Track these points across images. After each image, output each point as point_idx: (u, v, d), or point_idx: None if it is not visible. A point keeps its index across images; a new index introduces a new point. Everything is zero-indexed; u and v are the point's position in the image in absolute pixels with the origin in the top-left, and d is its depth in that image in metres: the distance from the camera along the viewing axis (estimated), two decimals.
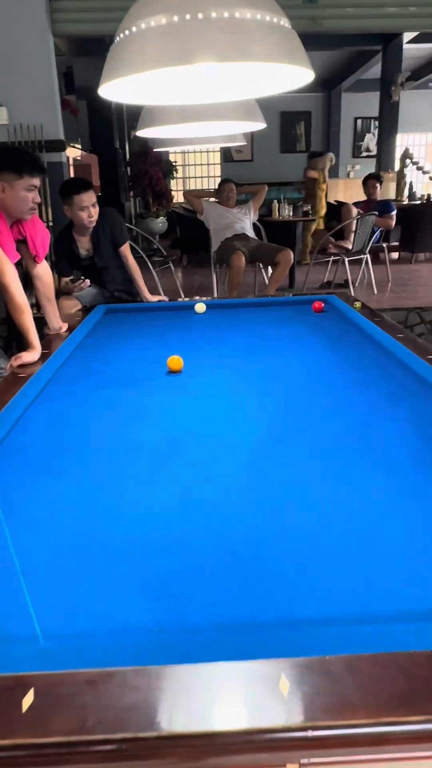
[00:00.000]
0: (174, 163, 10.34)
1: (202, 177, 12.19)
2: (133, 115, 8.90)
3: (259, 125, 2.39)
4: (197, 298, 3.49)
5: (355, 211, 5.16)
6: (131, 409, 1.69)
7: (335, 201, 9.55)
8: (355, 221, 4.92)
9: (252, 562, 0.97)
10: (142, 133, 2.53)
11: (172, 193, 9.94)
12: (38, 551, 1.01)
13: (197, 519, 1.10)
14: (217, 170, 12.05)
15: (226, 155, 11.90)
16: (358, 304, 2.79)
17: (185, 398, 1.77)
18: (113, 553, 1.01)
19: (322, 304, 2.87)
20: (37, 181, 2.04)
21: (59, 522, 1.11)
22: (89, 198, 2.82)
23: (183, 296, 5.46)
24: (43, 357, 2.09)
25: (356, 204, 5.67)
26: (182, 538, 1.04)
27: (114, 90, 1.48)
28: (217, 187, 4.89)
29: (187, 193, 4.75)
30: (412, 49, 8.23)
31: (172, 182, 11.27)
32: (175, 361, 1.94)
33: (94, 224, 2.91)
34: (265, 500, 1.17)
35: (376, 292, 5.18)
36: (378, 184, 5.53)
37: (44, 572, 0.96)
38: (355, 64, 9.76)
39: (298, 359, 2.13)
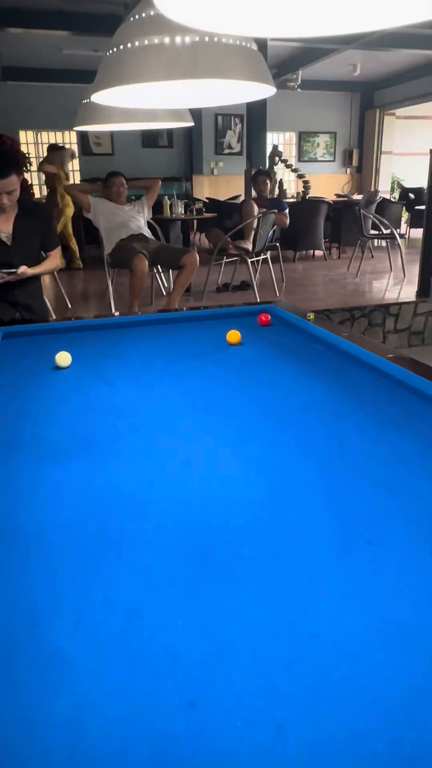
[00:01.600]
0: (27, 155, 9.40)
1: None
2: None
3: (188, 124, 2.35)
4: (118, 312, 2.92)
5: (257, 209, 4.87)
6: (100, 498, 1.16)
7: (206, 198, 9.32)
8: (256, 220, 4.62)
9: None
10: (81, 128, 2.47)
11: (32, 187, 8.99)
12: None
13: None
14: (75, 164, 11.20)
15: (85, 148, 11.14)
16: (311, 316, 2.46)
17: (173, 477, 1.28)
18: None
19: (269, 317, 2.51)
20: None
21: None
22: (3, 186, 2.27)
23: (69, 305, 4.78)
24: None
25: (244, 201, 5.40)
26: None
27: (107, 96, 1.52)
28: (102, 180, 4.30)
29: (71, 188, 4.11)
30: (274, 47, 8.22)
31: (26, 176, 10.25)
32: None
33: (4, 210, 2.37)
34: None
35: (278, 294, 4.96)
36: (268, 181, 5.30)
37: None
38: None
39: (288, 392, 1.72)
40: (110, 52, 1.31)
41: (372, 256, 6.99)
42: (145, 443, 1.41)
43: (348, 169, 12.40)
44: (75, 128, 2.43)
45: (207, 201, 8.77)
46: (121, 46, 1.21)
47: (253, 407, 1.62)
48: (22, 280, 2.47)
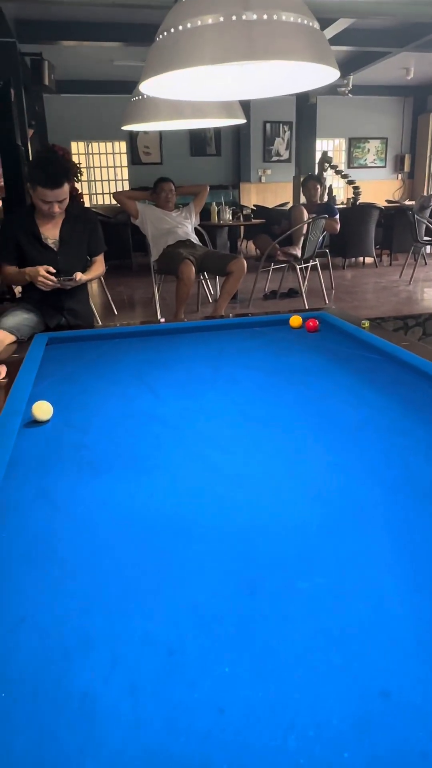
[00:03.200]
0: (78, 165, 9.57)
1: (108, 180, 11.43)
2: (32, 111, 8.04)
3: (240, 120, 2.14)
4: (157, 319, 2.86)
5: (306, 214, 4.74)
6: (141, 517, 1.07)
7: (254, 205, 9.25)
8: (306, 225, 4.49)
9: None
10: (128, 127, 2.36)
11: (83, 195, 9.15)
12: None
13: None
14: (124, 173, 11.35)
15: (134, 157, 11.27)
16: (366, 324, 2.32)
17: (221, 483, 1.17)
18: None
19: (317, 322, 2.39)
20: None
21: None
22: (55, 195, 2.28)
23: (116, 312, 4.77)
24: None
25: (294, 207, 5.29)
26: None
27: (155, 86, 1.42)
28: (152, 187, 4.27)
29: (119, 194, 4.09)
30: None
31: (76, 185, 10.43)
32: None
33: (55, 216, 2.38)
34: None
35: (327, 301, 4.81)
36: (319, 186, 5.17)
37: None
38: None
39: (345, 405, 1.59)
40: (159, 37, 1.23)
41: (425, 263, 6.74)
42: (191, 457, 1.31)
43: (399, 175, 12.08)
44: (123, 127, 2.39)
45: (254, 208, 8.69)
46: (172, 30, 1.12)
47: (307, 420, 1.50)
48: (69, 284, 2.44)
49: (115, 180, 11.40)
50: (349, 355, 2.04)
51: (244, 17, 1.13)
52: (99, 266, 2.57)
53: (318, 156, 8.60)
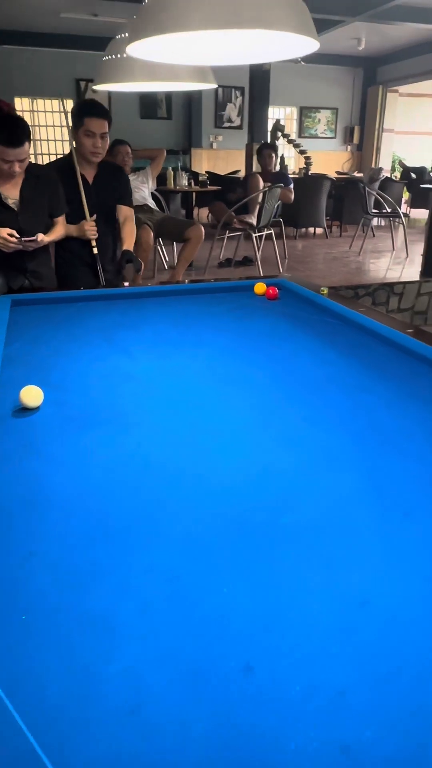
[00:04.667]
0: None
1: (54, 140, 11.00)
2: None
3: (212, 85, 2.24)
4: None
5: (262, 183, 4.78)
6: (131, 465, 1.14)
7: (206, 172, 9.16)
8: (261, 194, 4.54)
9: None
10: (101, 87, 2.39)
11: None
12: None
13: None
14: (67, 133, 10.94)
15: None
16: (324, 290, 2.43)
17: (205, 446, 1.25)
18: None
19: (277, 291, 2.47)
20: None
21: None
22: (16, 154, 2.24)
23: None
24: None
25: (250, 175, 5.31)
26: None
27: (143, 49, 1.45)
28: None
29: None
30: None
31: None
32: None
33: (15, 176, 2.36)
34: None
35: (281, 270, 4.91)
36: (274, 155, 5.20)
37: None
38: None
39: (308, 365, 1.69)
40: (146, 0, 1.24)
41: (374, 235, 6.93)
42: (169, 412, 1.38)
43: (348, 147, 12.22)
44: (94, 87, 2.37)
45: (207, 175, 8.62)
46: None
47: (276, 378, 1.59)
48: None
49: (62, 140, 10.99)
50: (309, 319, 2.14)
51: None
52: (60, 228, 2.55)
53: (270, 124, 8.58)
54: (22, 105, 10.75)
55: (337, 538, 0.92)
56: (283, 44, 1.43)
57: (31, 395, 1.32)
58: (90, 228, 2.66)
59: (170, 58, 1.52)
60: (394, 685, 0.66)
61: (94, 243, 2.72)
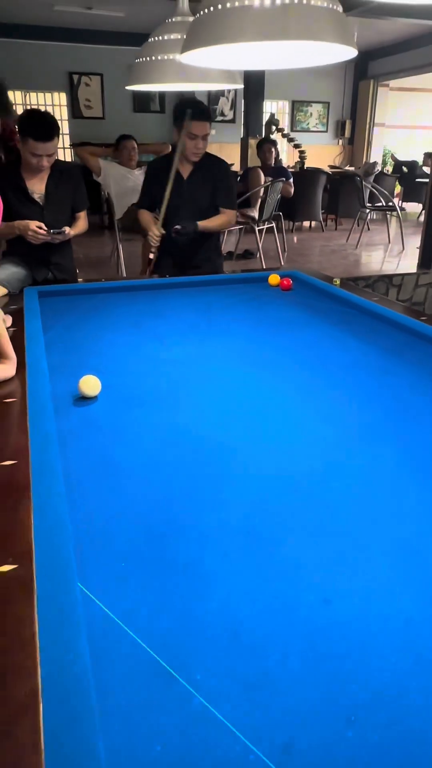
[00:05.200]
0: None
1: None
2: None
3: (238, 86, 2.32)
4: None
5: (263, 177, 4.88)
6: (186, 437, 1.24)
7: None
8: (263, 188, 4.64)
9: None
10: (134, 87, 2.36)
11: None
12: None
13: None
14: (64, 126, 10.93)
15: (75, 110, 10.87)
16: (337, 281, 2.54)
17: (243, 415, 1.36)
18: None
19: (291, 282, 2.58)
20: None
21: None
22: (45, 149, 2.33)
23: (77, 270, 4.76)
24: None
25: (250, 169, 5.40)
26: None
27: (197, 57, 1.55)
28: (114, 143, 4.26)
29: (82, 150, 4.07)
30: None
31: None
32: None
33: (42, 170, 2.43)
34: None
35: (282, 263, 5.02)
36: (273, 149, 5.30)
37: None
38: None
39: (331, 351, 1.81)
40: (202, 12, 1.34)
41: (369, 229, 7.06)
42: (208, 393, 1.49)
43: (340, 141, 12.33)
44: (127, 87, 2.44)
45: None
46: (219, 6, 1.24)
47: (302, 363, 1.70)
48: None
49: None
50: (325, 308, 2.25)
51: (279, 1, 1.26)
52: (83, 222, 2.64)
53: (265, 118, 8.66)
54: (14, 98, 10.71)
55: (380, 496, 1.04)
56: (325, 51, 1.50)
57: (90, 385, 1.40)
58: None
59: (220, 63, 1.62)
60: None
61: (154, 250, 2.79)
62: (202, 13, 1.32)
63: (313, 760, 0.59)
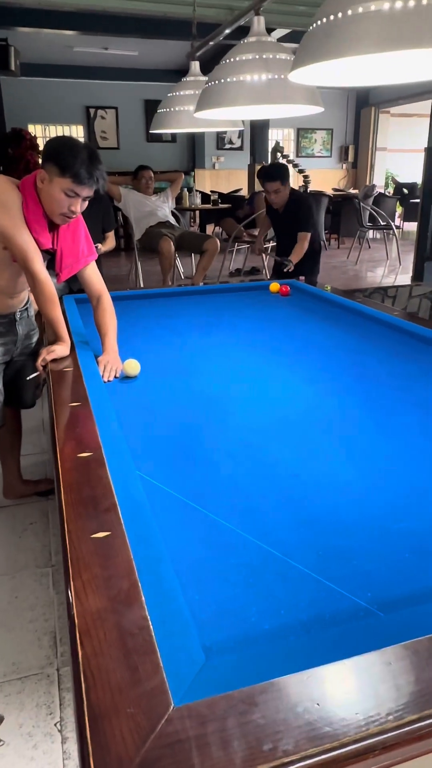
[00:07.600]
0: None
1: None
2: None
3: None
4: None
5: None
6: (202, 394, 1.66)
7: (210, 191, 9.76)
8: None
9: None
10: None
11: None
12: None
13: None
14: None
15: (91, 142, 11.52)
16: (327, 287, 2.96)
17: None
18: None
19: (289, 288, 3.01)
20: (82, 191, 1.79)
21: None
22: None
23: None
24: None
25: (256, 193, 5.88)
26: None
27: (206, 113, 1.82)
28: (133, 173, 4.76)
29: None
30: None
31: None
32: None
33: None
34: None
35: None
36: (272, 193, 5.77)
37: None
38: (219, 55, 10.00)
39: (320, 337, 2.22)
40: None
41: (369, 247, 7.50)
42: (221, 366, 1.90)
43: (344, 165, 12.88)
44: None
45: (212, 194, 9.23)
46: (221, 80, 1.66)
47: (293, 346, 2.12)
48: None
49: None
50: (317, 308, 2.67)
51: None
52: (111, 240, 3.09)
53: (271, 145, 9.21)
54: (35, 131, 11.40)
55: (337, 419, 1.44)
56: (295, 111, 1.84)
57: (131, 366, 1.78)
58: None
59: (223, 116, 2.01)
60: None
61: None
62: (210, 84, 1.74)
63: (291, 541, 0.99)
